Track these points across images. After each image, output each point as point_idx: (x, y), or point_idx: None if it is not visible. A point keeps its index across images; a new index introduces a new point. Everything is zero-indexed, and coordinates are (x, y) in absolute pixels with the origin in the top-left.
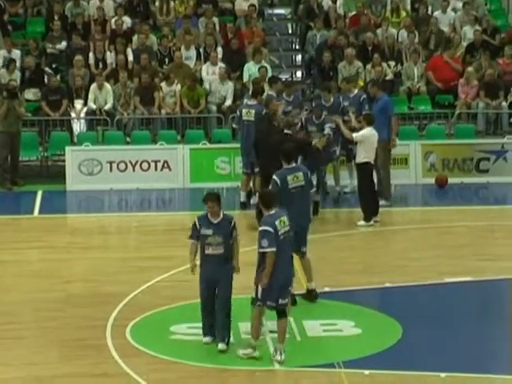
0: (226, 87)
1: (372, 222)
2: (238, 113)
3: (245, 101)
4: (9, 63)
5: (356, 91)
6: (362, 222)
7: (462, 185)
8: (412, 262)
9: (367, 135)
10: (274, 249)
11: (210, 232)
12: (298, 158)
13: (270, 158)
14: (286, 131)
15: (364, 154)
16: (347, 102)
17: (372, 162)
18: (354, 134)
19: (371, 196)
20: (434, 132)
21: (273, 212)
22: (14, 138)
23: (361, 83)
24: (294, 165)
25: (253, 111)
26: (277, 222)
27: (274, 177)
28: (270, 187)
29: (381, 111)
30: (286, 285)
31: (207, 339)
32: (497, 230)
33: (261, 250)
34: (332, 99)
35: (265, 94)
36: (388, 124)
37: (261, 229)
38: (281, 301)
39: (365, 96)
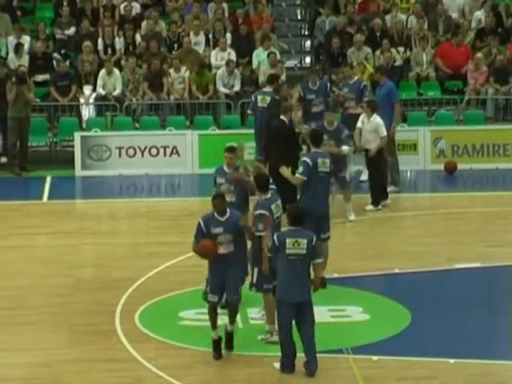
0: (233, 77)
1: (380, 207)
2: (252, 99)
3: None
4: (17, 47)
5: (356, 78)
6: (370, 207)
7: (472, 171)
8: (421, 248)
9: (379, 122)
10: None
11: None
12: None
13: (269, 143)
14: (281, 117)
15: (376, 141)
16: (347, 89)
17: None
18: (380, 133)
19: (381, 181)
20: (443, 118)
21: (269, 196)
22: (23, 124)
23: (370, 69)
24: (321, 150)
25: (268, 98)
26: (273, 206)
27: (306, 158)
28: (301, 169)
29: (385, 97)
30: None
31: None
32: (506, 217)
33: (257, 234)
34: (318, 82)
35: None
36: (392, 110)
37: (257, 212)
38: (275, 282)
39: (365, 83)
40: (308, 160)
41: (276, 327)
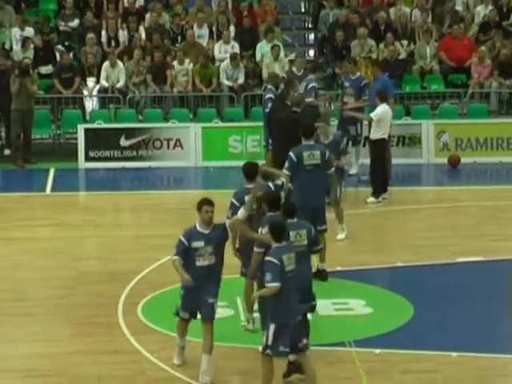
0: (237, 70)
1: (380, 199)
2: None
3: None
4: (24, 41)
5: (358, 74)
6: (371, 199)
7: (475, 164)
8: (424, 242)
9: (383, 112)
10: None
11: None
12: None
13: (279, 135)
14: (294, 109)
15: (380, 131)
16: (348, 83)
17: (387, 139)
18: (372, 114)
19: (383, 173)
20: (446, 111)
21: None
22: (27, 116)
23: (374, 57)
24: (312, 142)
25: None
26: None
27: (290, 152)
28: (286, 163)
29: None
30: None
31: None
32: (510, 210)
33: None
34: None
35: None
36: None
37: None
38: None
39: (366, 81)
40: (292, 154)
41: (254, 315)
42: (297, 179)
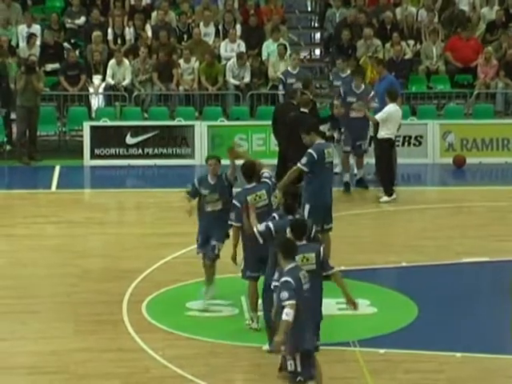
0: (243, 69)
1: (394, 196)
2: (283, 78)
3: (289, 69)
4: (29, 38)
5: (349, 71)
6: (384, 198)
7: (480, 165)
8: (429, 242)
9: (391, 112)
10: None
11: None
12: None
13: (288, 135)
14: (302, 109)
15: (386, 131)
16: (339, 82)
17: (393, 138)
18: (378, 115)
19: (389, 172)
20: (452, 111)
21: (251, 186)
22: (32, 113)
23: (380, 56)
24: (323, 141)
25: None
26: (249, 197)
27: (311, 150)
28: (304, 158)
29: (385, 91)
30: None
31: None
32: None
33: (229, 223)
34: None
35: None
36: None
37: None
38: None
39: None
40: (313, 152)
41: (259, 313)
42: (316, 177)
